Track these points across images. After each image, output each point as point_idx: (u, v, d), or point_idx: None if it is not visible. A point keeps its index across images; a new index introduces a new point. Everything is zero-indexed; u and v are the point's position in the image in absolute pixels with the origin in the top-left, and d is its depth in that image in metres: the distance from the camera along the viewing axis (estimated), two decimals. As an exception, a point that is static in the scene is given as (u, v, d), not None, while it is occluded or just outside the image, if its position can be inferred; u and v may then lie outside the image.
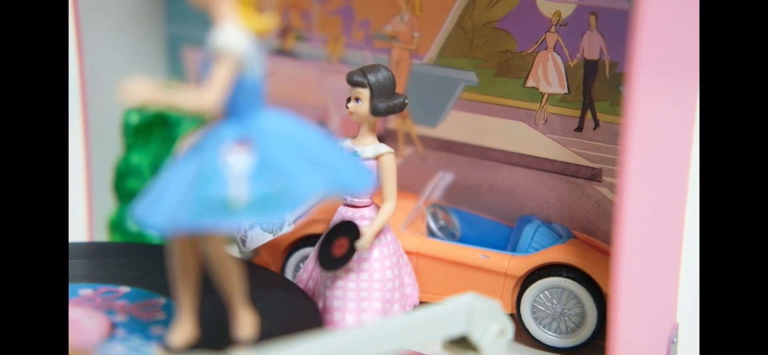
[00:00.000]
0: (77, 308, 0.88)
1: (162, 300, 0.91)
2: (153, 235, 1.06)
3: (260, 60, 0.76)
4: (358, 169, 0.80)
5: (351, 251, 0.93)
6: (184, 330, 0.80)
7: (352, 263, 0.94)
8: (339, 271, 0.95)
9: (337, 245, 0.92)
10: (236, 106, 0.75)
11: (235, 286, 0.80)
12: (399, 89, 1.13)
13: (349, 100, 0.96)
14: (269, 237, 1.00)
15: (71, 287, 0.93)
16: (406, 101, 0.96)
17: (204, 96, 0.71)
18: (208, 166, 0.73)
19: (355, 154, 0.95)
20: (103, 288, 0.93)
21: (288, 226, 1.01)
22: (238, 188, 0.71)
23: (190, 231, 0.74)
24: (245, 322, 0.81)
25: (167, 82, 1.28)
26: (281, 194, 0.71)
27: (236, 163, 0.72)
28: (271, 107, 0.77)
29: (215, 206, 0.71)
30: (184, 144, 0.79)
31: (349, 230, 0.92)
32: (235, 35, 0.73)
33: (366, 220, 0.95)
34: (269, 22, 0.75)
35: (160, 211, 0.73)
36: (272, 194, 0.71)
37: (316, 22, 1.20)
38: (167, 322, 0.86)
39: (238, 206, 0.71)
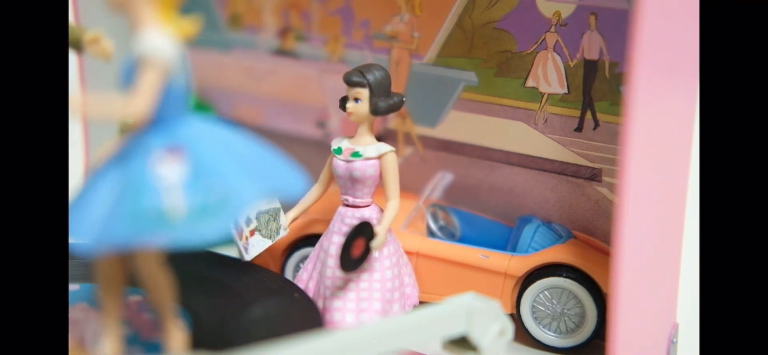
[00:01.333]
0: (76, 310, 0.88)
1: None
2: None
3: (185, 65, 0.72)
4: (290, 171, 0.75)
5: (367, 250, 0.94)
6: (109, 347, 0.78)
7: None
8: (343, 271, 0.95)
9: (355, 246, 0.93)
10: (163, 114, 0.71)
11: (165, 300, 0.77)
12: (399, 89, 1.14)
13: (345, 100, 0.96)
14: (269, 243, 1.00)
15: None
16: (404, 99, 0.97)
17: (132, 104, 0.68)
18: (138, 178, 0.69)
19: (344, 151, 0.95)
20: None
21: (284, 230, 1.01)
22: (173, 199, 0.68)
23: (123, 246, 0.70)
24: (175, 336, 0.78)
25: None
26: (221, 202, 0.68)
27: (169, 174, 0.69)
28: (194, 115, 0.74)
29: (151, 219, 0.67)
30: (102, 155, 0.75)
31: (364, 231, 0.93)
32: (161, 40, 0.70)
33: (367, 220, 0.95)
34: (191, 25, 0.72)
35: (87, 225, 0.69)
36: (212, 203, 0.68)
37: (316, 22, 1.20)
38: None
39: (175, 217, 0.67)
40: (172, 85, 0.71)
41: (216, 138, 0.72)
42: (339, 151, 0.97)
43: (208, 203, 0.68)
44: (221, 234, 0.68)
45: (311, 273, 1.00)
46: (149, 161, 0.70)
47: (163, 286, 0.77)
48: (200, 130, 0.73)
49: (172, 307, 0.78)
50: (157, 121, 0.72)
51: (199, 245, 0.67)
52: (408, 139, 1.16)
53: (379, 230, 0.94)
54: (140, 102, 0.68)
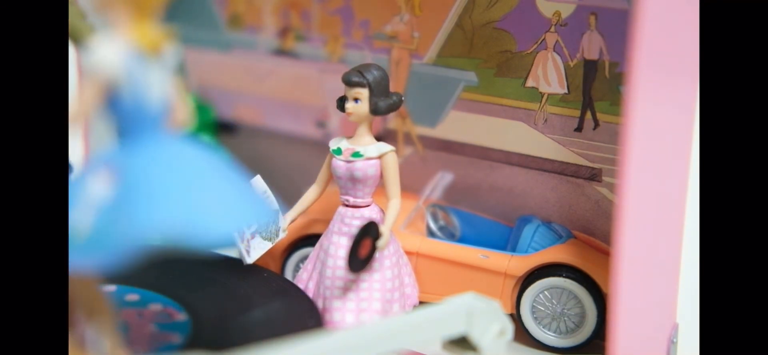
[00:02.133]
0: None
1: (177, 337, 0.88)
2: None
3: (153, 79, 0.67)
4: (234, 213, 0.67)
5: (374, 249, 0.94)
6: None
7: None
8: (344, 271, 0.95)
9: (363, 246, 0.93)
10: (120, 128, 0.67)
11: (104, 326, 0.73)
12: (399, 89, 1.14)
13: (343, 100, 0.96)
14: (269, 245, 1.00)
15: (149, 294, 0.92)
16: (403, 99, 0.97)
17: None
18: (68, 192, 0.66)
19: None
20: (171, 308, 0.91)
21: (283, 232, 1.01)
22: (82, 219, 0.64)
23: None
24: None
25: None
26: (122, 231, 0.62)
27: (94, 192, 0.65)
28: (170, 132, 0.69)
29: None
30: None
31: (370, 231, 0.93)
32: (109, 52, 0.64)
33: (365, 220, 0.95)
34: (165, 37, 0.67)
35: None
36: (112, 230, 0.63)
37: (316, 22, 1.20)
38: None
39: (77, 238, 0.63)
40: (123, 99, 0.66)
41: (160, 160, 0.66)
42: (338, 151, 0.96)
43: (108, 229, 0.63)
44: (117, 262, 0.63)
45: (311, 273, 0.99)
46: (87, 176, 0.66)
47: (99, 311, 0.72)
48: (151, 150, 0.67)
49: (114, 335, 0.73)
50: (119, 135, 0.68)
51: (95, 269, 0.63)
52: (408, 139, 1.16)
53: (384, 229, 0.94)
54: (70, 113, 0.65)
